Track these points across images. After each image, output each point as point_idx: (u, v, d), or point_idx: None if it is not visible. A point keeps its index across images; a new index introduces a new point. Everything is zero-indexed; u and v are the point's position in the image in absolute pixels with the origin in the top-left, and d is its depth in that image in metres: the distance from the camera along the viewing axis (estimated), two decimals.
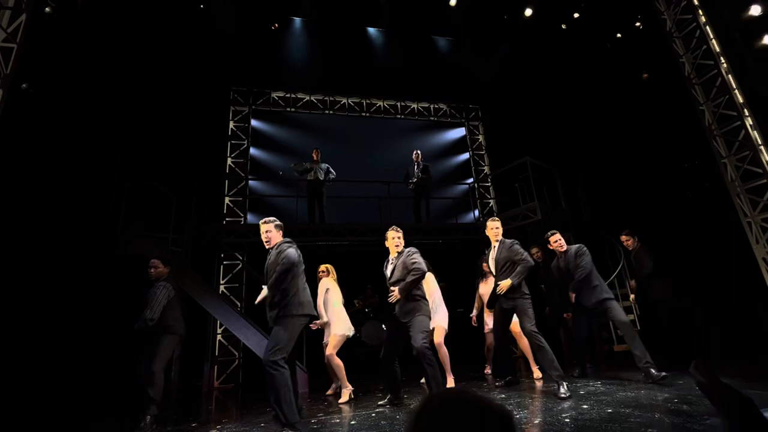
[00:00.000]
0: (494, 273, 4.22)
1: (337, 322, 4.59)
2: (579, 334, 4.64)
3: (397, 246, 3.84)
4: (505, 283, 3.97)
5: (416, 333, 3.54)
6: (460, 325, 6.19)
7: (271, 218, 3.46)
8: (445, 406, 0.73)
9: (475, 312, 5.45)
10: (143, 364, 3.75)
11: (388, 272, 3.83)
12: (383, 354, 3.77)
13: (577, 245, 4.59)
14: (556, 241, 4.62)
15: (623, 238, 5.53)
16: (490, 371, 5.50)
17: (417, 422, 0.73)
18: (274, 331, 3.16)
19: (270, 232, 3.39)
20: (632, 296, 6.12)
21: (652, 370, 3.81)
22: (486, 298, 4.80)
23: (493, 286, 4.22)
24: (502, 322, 4.28)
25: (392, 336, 3.81)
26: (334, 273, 4.92)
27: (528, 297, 4.03)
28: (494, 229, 4.26)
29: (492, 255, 4.24)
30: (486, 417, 0.71)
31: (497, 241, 4.23)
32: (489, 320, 5.29)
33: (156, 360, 3.74)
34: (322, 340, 4.73)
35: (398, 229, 3.91)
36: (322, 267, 4.94)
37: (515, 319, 4.84)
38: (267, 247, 3.40)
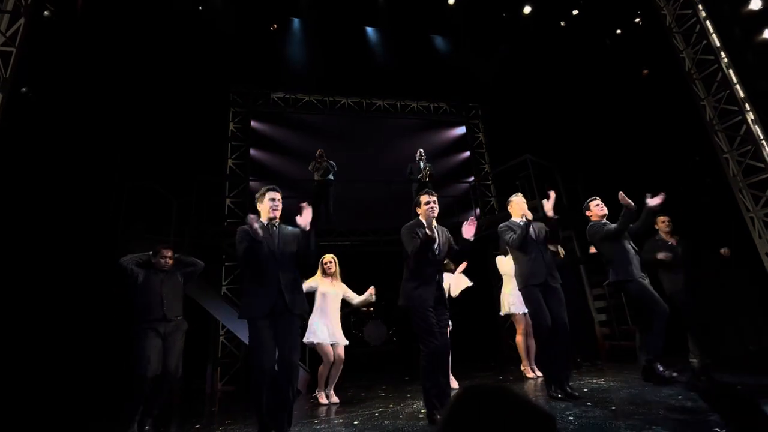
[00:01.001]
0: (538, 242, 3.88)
1: None
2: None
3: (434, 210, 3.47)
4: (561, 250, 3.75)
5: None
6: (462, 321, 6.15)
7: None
8: (487, 401, 0.67)
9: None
10: (160, 365, 3.51)
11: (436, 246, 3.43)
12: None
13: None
14: (597, 204, 4.05)
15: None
16: (529, 369, 4.64)
17: (456, 414, 0.68)
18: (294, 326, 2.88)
19: (281, 202, 3.10)
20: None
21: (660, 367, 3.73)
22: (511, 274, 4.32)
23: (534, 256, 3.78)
24: (547, 306, 3.59)
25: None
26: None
27: None
28: (522, 204, 4.01)
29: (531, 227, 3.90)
30: (530, 417, 0.66)
31: (525, 217, 3.94)
32: (515, 301, 4.69)
33: (173, 358, 3.58)
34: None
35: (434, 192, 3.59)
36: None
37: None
38: (272, 215, 3.03)
